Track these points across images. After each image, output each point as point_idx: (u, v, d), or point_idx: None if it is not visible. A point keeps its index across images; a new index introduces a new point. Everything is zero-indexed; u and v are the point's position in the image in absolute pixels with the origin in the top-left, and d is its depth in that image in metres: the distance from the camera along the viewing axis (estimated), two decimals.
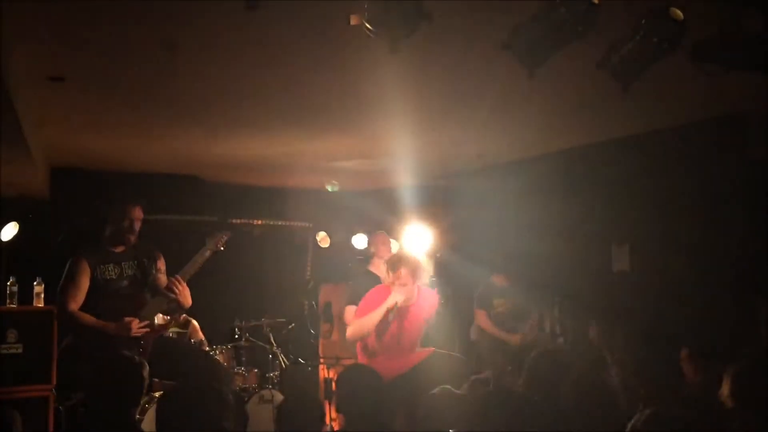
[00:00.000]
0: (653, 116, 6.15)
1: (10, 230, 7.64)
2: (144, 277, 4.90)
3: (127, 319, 4.66)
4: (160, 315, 5.14)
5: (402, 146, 7.00)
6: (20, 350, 6.92)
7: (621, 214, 7.39)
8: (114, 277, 4.82)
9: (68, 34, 4.09)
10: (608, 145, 7.02)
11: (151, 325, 4.80)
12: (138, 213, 4.91)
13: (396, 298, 5.34)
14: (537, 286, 7.66)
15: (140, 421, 5.82)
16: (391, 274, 5.44)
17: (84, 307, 4.74)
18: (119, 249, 4.90)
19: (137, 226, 4.91)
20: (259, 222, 9.52)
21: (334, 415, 5.87)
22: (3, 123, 4.86)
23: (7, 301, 7.19)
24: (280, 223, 9.71)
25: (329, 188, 9.25)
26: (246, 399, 6.87)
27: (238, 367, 7.52)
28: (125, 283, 4.84)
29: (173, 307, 4.92)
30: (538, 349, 4.66)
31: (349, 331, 5.59)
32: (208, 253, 5.07)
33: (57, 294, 4.79)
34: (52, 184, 8.08)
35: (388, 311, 5.33)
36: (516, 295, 7.39)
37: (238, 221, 9.38)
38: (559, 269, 7.61)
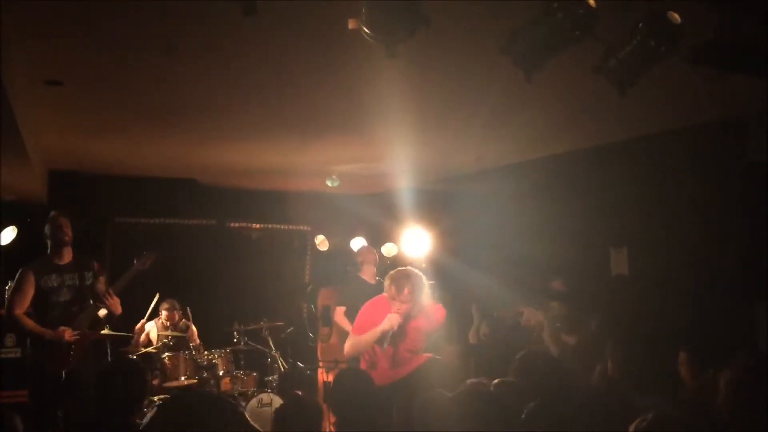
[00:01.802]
0: (651, 120, 6.16)
1: (9, 234, 7.64)
2: (83, 287, 5.59)
3: (61, 328, 5.39)
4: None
5: (400, 150, 7.00)
6: (18, 354, 6.94)
7: (619, 218, 7.38)
8: (55, 285, 5.51)
9: (66, 38, 4.09)
10: (606, 148, 7.03)
11: (83, 332, 5.51)
12: (64, 221, 5.61)
13: (392, 321, 5.33)
14: (535, 289, 7.65)
15: (140, 425, 5.80)
16: (395, 290, 5.40)
17: (32, 313, 5.48)
18: (63, 261, 5.60)
19: (67, 232, 5.60)
20: (258, 225, 9.52)
21: (332, 419, 5.86)
22: (1, 127, 4.87)
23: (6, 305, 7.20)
24: (278, 226, 9.71)
25: (329, 183, 9.25)
26: (245, 403, 6.86)
27: (236, 371, 7.51)
28: (65, 291, 5.53)
29: (107, 316, 5.66)
30: (527, 348, 4.68)
31: (346, 348, 5.64)
32: (135, 271, 5.77)
33: (6, 300, 5.62)
34: (50, 187, 8.08)
35: (384, 333, 5.33)
36: (572, 301, 7.34)
37: (236, 225, 9.39)
38: (557, 273, 7.60)
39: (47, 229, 5.61)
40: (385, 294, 5.58)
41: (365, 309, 5.67)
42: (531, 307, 7.65)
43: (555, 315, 7.34)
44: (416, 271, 5.61)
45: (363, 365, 5.63)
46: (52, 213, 5.69)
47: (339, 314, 6.98)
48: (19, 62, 4.37)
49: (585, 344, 7.07)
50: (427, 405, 3.71)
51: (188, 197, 8.85)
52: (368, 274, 7.18)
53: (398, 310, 5.34)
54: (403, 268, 5.72)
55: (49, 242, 5.62)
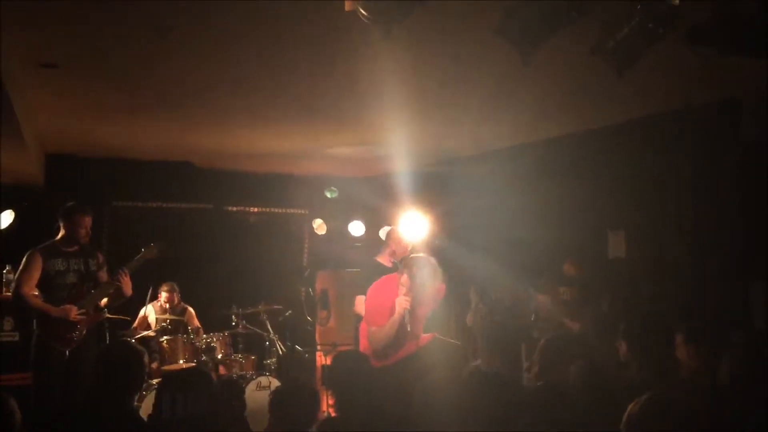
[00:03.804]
0: (648, 101, 6.15)
1: (6, 218, 7.63)
2: (87, 273, 5.75)
3: (67, 306, 5.54)
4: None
5: (397, 133, 6.99)
6: (17, 338, 6.96)
7: (617, 200, 7.38)
8: (62, 269, 5.66)
9: (61, 20, 4.07)
10: (604, 130, 7.02)
11: (88, 312, 5.66)
12: (89, 221, 5.78)
13: (404, 305, 5.32)
14: (532, 272, 7.67)
15: (138, 408, 5.83)
16: (407, 279, 5.40)
17: (38, 295, 5.62)
18: (70, 248, 5.73)
19: (88, 232, 5.80)
20: (255, 209, 9.52)
21: (331, 401, 5.89)
22: None
23: (3, 289, 7.21)
24: (276, 210, 9.71)
25: (328, 194, 9.29)
26: (243, 386, 6.88)
27: (235, 354, 7.53)
28: (71, 275, 5.68)
29: (116, 295, 5.79)
30: (546, 336, 4.68)
31: (372, 344, 5.52)
32: (142, 260, 5.98)
33: (14, 280, 5.81)
34: (46, 171, 8.07)
35: (402, 317, 5.33)
36: (583, 285, 7.32)
37: (234, 209, 9.39)
38: (554, 256, 7.61)
39: (66, 221, 5.70)
40: (397, 275, 5.56)
41: (374, 295, 5.63)
42: (535, 291, 7.67)
43: (563, 300, 7.35)
44: (431, 260, 5.59)
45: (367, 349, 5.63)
46: (74, 207, 5.76)
47: (359, 303, 6.75)
48: (14, 45, 4.35)
49: (590, 329, 7.09)
50: (430, 387, 3.72)
51: (185, 181, 8.85)
52: (386, 258, 7.04)
53: (407, 294, 5.35)
54: (420, 256, 5.67)
55: (63, 231, 5.72)
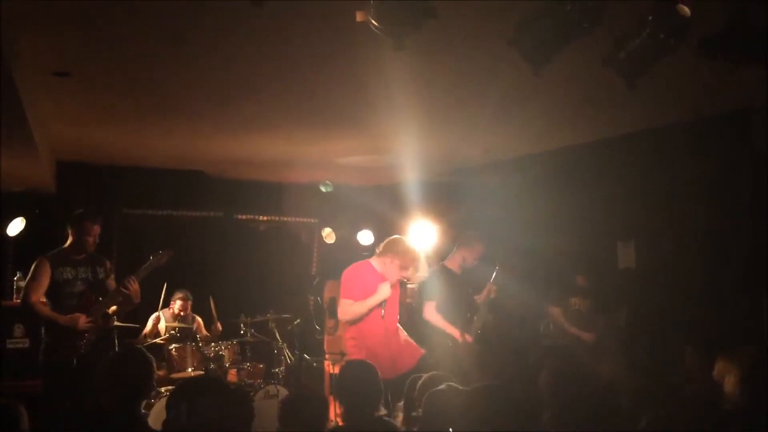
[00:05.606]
0: (659, 112, 6.14)
1: (17, 225, 7.67)
2: (95, 281, 5.77)
3: (75, 315, 5.54)
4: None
5: (407, 142, 7.00)
6: (27, 345, 7.00)
7: (627, 211, 7.37)
8: (70, 278, 5.69)
9: (74, 29, 4.09)
10: (614, 141, 7.01)
11: (96, 320, 5.66)
12: (98, 229, 5.79)
13: (387, 291, 5.79)
14: (542, 282, 7.65)
15: (146, 416, 5.84)
16: (398, 266, 5.82)
17: (47, 303, 5.63)
18: (79, 256, 5.76)
19: (96, 239, 5.81)
20: (265, 218, 9.54)
21: (339, 411, 5.90)
22: (9, 118, 4.89)
23: (14, 296, 7.25)
24: (285, 218, 9.73)
25: (323, 188, 9.30)
26: (252, 394, 6.88)
27: (243, 363, 7.53)
28: (79, 283, 5.71)
29: (124, 303, 5.78)
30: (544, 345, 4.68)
31: (342, 315, 6.01)
32: (151, 267, 5.93)
33: (23, 288, 5.82)
34: (58, 178, 8.10)
35: (382, 301, 5.80)
36: (594, 296, 7.31)
37: (244, 217, 9.41)
38: (564, 266, 7.60)
39: (74, 228, 5.73)
40: (385, 259, 5.95)
41: (353, 275, 6.02)
42: (546, 301, 7.66)
43: (574, 311, 7.34)
44: (414, 245, 6.07)
45: (356, 351, 5.83)
46: (83, 215, 5.78)
47: (429, 309, 6.67)
48: (27, 53, 4.38)
49: (601, 340, 7.08)
50: (437, 398, 3.71)
51: (196, 189, 8.87)
52: (455, 263, 7.02)
53: (392, 278, 5.70)
54: (403, 239, 6.11)
55: (71, 238, 5.75)
